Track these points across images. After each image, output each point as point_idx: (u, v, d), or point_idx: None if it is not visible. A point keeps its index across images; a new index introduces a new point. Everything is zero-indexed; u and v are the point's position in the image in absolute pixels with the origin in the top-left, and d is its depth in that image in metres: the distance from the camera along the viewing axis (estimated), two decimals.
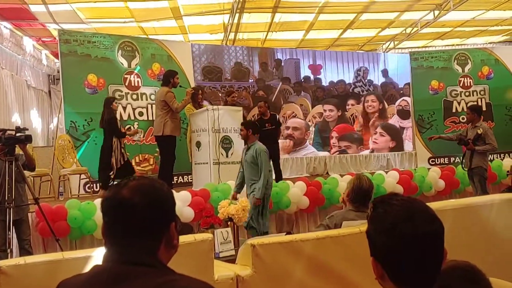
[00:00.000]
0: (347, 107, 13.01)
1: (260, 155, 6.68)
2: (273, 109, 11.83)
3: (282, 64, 12.64)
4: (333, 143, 12.69)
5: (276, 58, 12.67)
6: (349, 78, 13.23)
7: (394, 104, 13.39)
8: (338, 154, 12.54)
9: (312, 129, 12.57)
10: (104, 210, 1.51)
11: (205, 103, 9.69)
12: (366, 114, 13.08)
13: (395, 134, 13.14)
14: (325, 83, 12.95)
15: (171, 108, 8.16)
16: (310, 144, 12.50)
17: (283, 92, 12.50)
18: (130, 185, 1.50)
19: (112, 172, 8.07)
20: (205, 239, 3.05)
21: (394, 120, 13.31)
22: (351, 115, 13.05)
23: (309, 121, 12.58)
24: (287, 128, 12.24)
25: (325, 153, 12.46)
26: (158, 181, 1.56)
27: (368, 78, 13.35)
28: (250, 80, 12.26)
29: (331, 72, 13.08)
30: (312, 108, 12.71)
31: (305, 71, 12.85)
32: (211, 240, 3.08)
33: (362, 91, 13.23)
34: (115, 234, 1.48)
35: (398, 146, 13.10)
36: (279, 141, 11.07)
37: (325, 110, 12.76)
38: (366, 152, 12.85)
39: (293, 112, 12.47)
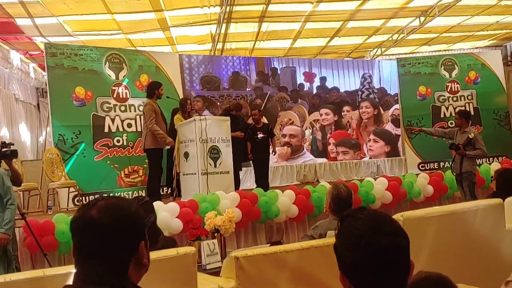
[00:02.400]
0: (342, 113, 13.08)
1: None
2: (270, 117, 12.08)
3: (279, 72, 12.76)
4: (331, 149, 12.75)
5: (272, 66, 12.78)
6: (345, 85, 13.31)
7: (389, 110, 13.44)
8: (340, 161, 12.61)
9: (309, 136, 12.62)
10: (73, 230, 1.51)
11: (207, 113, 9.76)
12: (361, 120, 13.15)
13: (389, 139, 13.15)
14: (320, 90, 13.05)
15: (151, 120, 8.14)
16: (308, 151, 12.54)
17: (280, 100, 12.56)
18: (98, 205, 1.50)
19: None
20: (188, 253, 3.03)
21: (389, 127, 13.34)
22: (347, 122, 13.12)
23: (306, 128, 12.65)
24: (284, 135, 12.32)
25: (323, 160, 12.52)
26: (126, 200, 1.56)
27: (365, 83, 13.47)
28: (247, 89, 12.35)
29: (327, 79, 13.19)
30: (309, 115, 12.78)
31: (301, 79, 12.96)
32: (194, 253, 3.06)
33: (372, 97, 13.37)
34: (84, 254, 1.48)
35: (394, 150, 13.10)
36: (277, 148, 11.18)
37: (321, 114, 12.84)
38: (366, 158, 12.91)
39: (290, 120, 12.55)
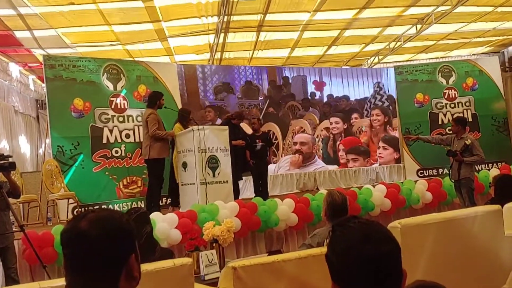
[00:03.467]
0: (351, 121, 13.20)
1: None
2: (282, 125, 12.35)
3: (290, 81, 12.92)
4: (341, 155, 12.84)
5: (284, 75, 12.94)
6: (354, 93, 13.54)
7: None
8: (350, 168, 12.75)
9: (320, 143, 12.68)
10: (63, 242, 1.49)
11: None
12: (372, 128, 13.23)
13: (398, 146, 13.13)
14: (330, 99, 13.23)
15: (154, 129, 8.15)
16: (319, 158, 12.58)
17: (292, 108, 12.70)
18: (88, 217, 1.48)
19: None
20: (184, 264, 3.00)
21: (398, 133, 13.33)
22: (358, 129, 13.19)
23: (317, 136, 12.77)
24: (295, 143, 12.46)
25: (335, 167, 12.64)
26: (117, 212, 1.54)
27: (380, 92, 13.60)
28: (260, 98, 12.47)
29: (336, 87, 13.39)
30: (320, 123, 12.94)
31: (311, 87, 13.19)
32: (191, 264, 3.03)
33: (382, 105, 13.48)
34: (74, 266, 1.46)
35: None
36: (288, 156, 11.26)
37: (331, 123, 12.99)
38: (376, 165, 12.95)
39: (302, 128, 12.69)
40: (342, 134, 13.03)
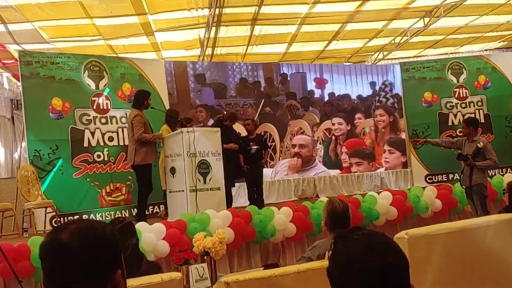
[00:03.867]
0: (355, 121, 13.23)
1: None
2: (280, 126, 12.31)
3: (288, 78, 12.92)
4: (343, 158, 12.83)
5: (281, 72, 12.93)
6: (357, 91, 13.54)
7: None
8: (354, 173, 12.72)
9: (320, 146, 12.69)
10: (42, 255, 1.50)
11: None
12: (377, 129, 13.25)
13: (406, 148, 13.10)
14: (331, 97, 13.25)
15: (139, 133, 8.13)
16: (320, 162, 12.59)
17: (290, 107, 12.70)
18: (69, 228, 1.49)
19: None
20: (173, 279, 3.01)
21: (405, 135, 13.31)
22: (361, 130, 13.22)
23: (318, 138, 12.79)
24: (293, 146, 12.45)
25: (337, 171, 12.64)
26: (100, 223, 1.54)
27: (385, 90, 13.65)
28: (255, 97, 12.54)
29: (338, 85, 13.38)
30: (321, 123, 12.94)
31: (311, 85, 13.11)
32: (180, 279, 3.05)
33: (387, 104, 13.50)
34: (55, 281, 1.47)
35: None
36: (286, 160, 11.23)
37: (333, 124, 13.00)
38: (381, 170, 12.96)
39: (301, 129, 12.68)
40: (345, 136, 13.04)
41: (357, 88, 13.54)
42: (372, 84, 13.64)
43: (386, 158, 13.13)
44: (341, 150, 12.89)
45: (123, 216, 8.89)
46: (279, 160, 12.38)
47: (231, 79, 12.38)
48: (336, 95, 13.35)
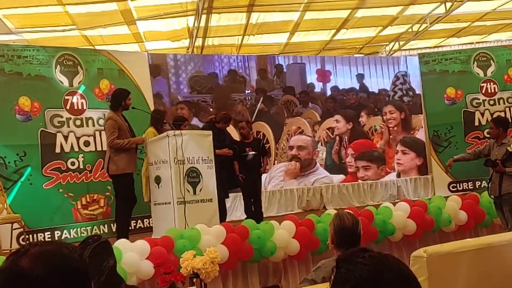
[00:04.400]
0: (360, 119, 13.24)
1: None
2: (275, 125, 12.23)
3: (284, 70, 12.87)
4: (349, 162, 12.79)
5: (277, 63, 12.88)
6: (365, 84, 13.63)
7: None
8: (361, 178, 12.72)
9: (322, 147, 12.65)
10: None
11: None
12: (387, 129, 13.24)
13: (421, 149, 13.11)
14: (335, 92, 13.28)
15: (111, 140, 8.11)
16: (321, 166, 12.56)
17: (287, 104, 12.65)
18: (31, 252, 1.47)
19: None
20: None
21: (421, 135, 13.29)
22: (370, 129, 13.22)
23: (319, 138, 12.78)
24: (291, 148, 12.41)
25: (341, 176, 12.64)
26: (66, 246, 1.53)
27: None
28: (247, 91, 12.42)
29: (343, 79, 13.46)
30: (323, 122, 12.93)
31: (312, 78, 13.03)
32: None
33: (398, 99, 13.57)
34: None
35: (426, 164, 13.06)
36: (282, 163, 11.18)
37: (338, 121, 13.03)
38: (394, 177, 12.96)
39: (299, 128, 12.63)
40: (351, 136, 13.01)
41: (366, 81, 13.50)
42: (385, 77, 13.62)
43: (398, 160, 13.12)
44: (346, 152, 12.83)
45: (99, 233, 8.86)
46: (274, 164, 12.33)
47: (218, 71, 12.34)
48: (340, 89, 13.29)
